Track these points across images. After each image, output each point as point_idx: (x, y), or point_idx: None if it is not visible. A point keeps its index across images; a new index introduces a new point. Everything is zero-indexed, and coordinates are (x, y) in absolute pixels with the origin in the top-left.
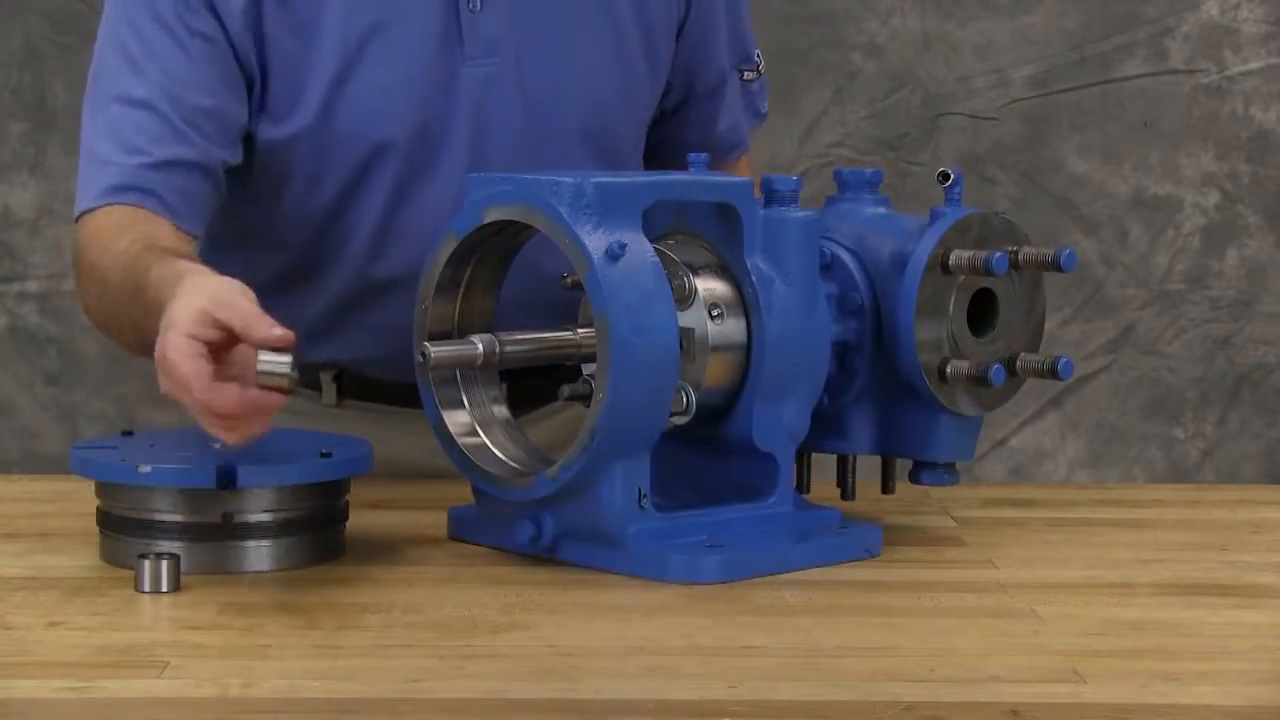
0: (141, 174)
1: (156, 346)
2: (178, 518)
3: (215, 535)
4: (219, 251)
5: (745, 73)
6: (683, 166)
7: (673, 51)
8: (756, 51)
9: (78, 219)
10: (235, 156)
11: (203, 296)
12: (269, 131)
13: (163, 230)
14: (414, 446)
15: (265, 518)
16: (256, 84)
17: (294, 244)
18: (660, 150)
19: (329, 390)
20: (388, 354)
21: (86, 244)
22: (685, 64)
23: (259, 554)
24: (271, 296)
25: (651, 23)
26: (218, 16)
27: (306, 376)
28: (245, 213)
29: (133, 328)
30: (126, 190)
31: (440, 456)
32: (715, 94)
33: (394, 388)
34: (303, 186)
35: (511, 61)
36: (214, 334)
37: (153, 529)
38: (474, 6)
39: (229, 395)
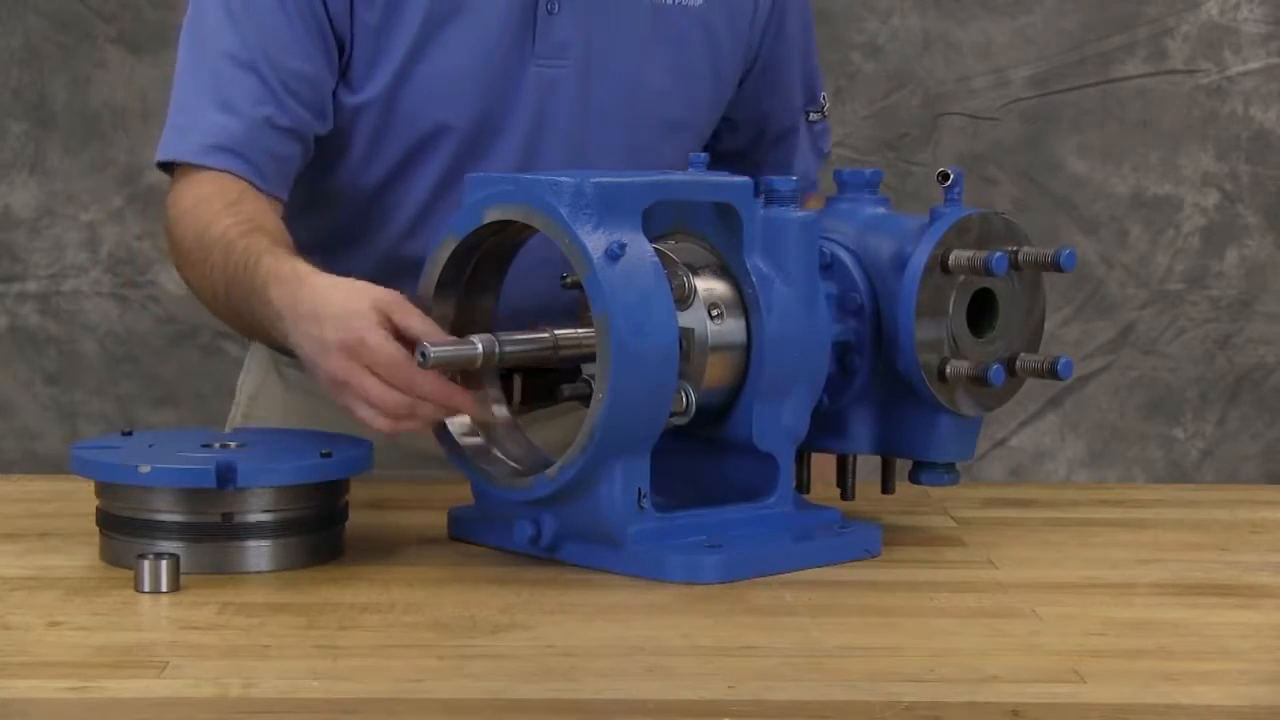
0: (237, 135)
1: (328, 335)
2: (178, 518)
3: (215, 535)
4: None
5: (810, 114)
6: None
7: (735, 85)
8: (823, 94)
9: (167, 166)
10: (326, 124)
11: (370, 299)
12: (341, 98)
13: (260, 208)
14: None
15: (265, 518)
16: (346, 51)
17: (341, 211)
18: None
19: None
20: None
21: (181, 214)
22: (756, 102)
23: (259, 554)
24: (311, 258)
25: (720, 53)
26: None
27: None
28: (307, 180)
29: (231, 310)
30: (221, 151)
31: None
32: (789, 136)
33: None
34: (360, 156)
35: (579, 67)
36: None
37: (153, 529)
38: (552, 8)
39: (431, 379)
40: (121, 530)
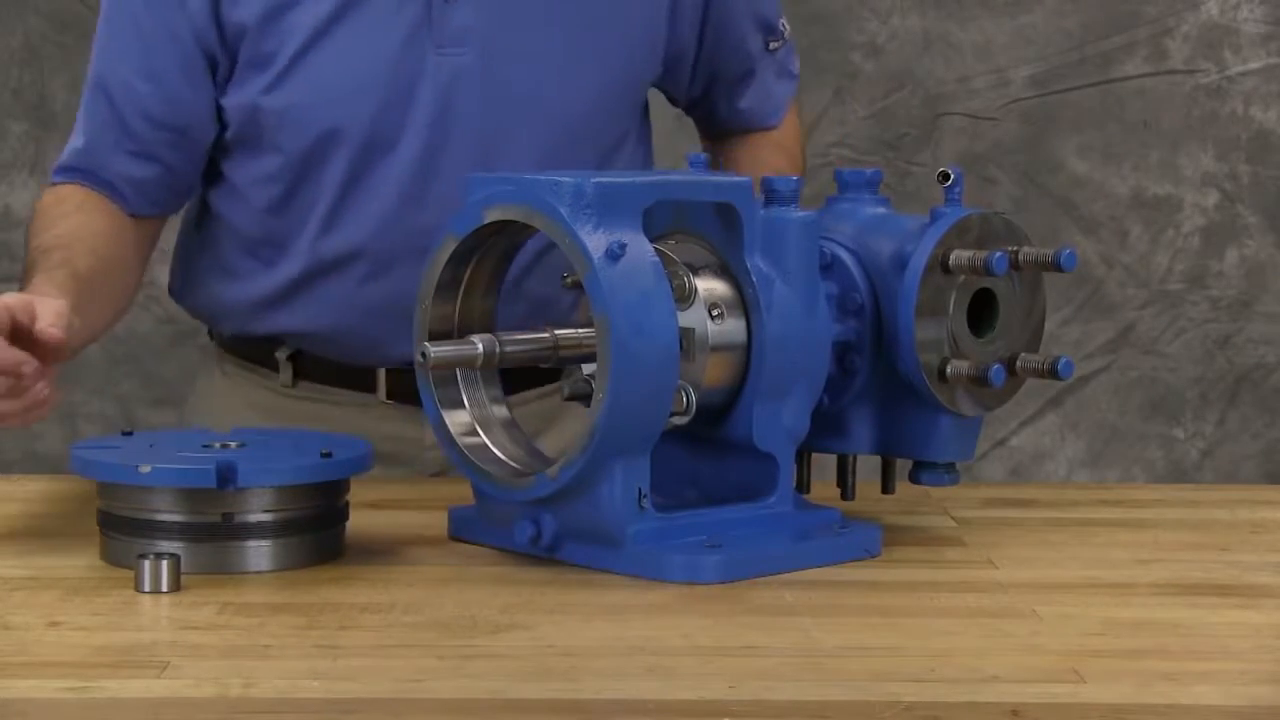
0: (85, 158)
1: None
2: (178, 518)
3: (215, 535)
4: (194, 212)
5: (771, 43)
6: (724, 136)
7: (662, 46)
8: (781, 21)
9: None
10: (200, 136)
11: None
12: (235, 98)
13: (81, 224)
14: (369, 430)
15: (265, 518)
16: (222, 65)
17: (254, 214)
18: (705, 125)
19: (285, 370)
20: (339, 329)
21: (32, 220)
22: (708, 57)
23: (259, 554)
24: (236, 264)
25: (633, 26)
26: (185, 10)
27: (262, 356)
28: (216, 177)
29: None
30: (72, 171)
31: (392, 442)
32: (749, 75)
33: (349, 371)
34: (264, 156)
35: (480, 54)
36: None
37: (153, 529)
38: None
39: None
40: (121, 530)
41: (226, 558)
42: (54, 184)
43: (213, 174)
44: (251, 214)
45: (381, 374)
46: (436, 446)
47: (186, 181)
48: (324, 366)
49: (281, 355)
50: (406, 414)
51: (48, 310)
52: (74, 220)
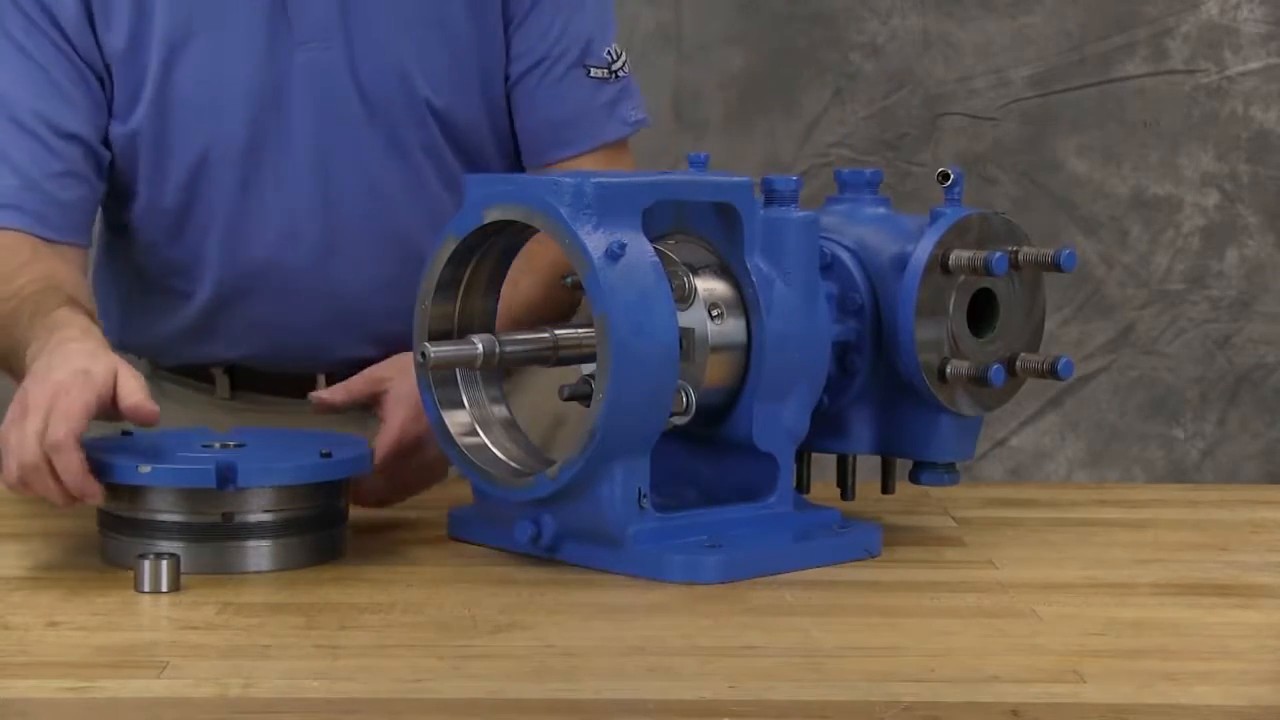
0: (13, 190)
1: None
2: (178, 518)
3: (215, 535)
4: (100, 255)
5: (592, 69)
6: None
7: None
8: (609, 50)
9: None
10: (103, 156)
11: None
12: (116, 129)
13: (53, 268)
14: None
15: (265, 517)
16: (106, 81)
17: (156, 244)
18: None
19: (222, 383)
20: (266, 351)
21: None
22: (512, 45)
23: (259, 554)
24: (149, 300)
25: (486, 12)
26: (59, 27)
27: (197, 373)
28: (112, 213)
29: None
30: (7, 209)
31: None
32: (541, 80)
33: (284, 380)
34: (151, 184)
35: (342, 43)
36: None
37: (153, 529)
38: None
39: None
40: (122, 530)
41: (226, 558)
42: None
43: (107, 214)
44: (150, 247)
45: (321, 380)
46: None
47: (96, 205)
48: (261, 378)
49: (217, 370)
50: (348, 417)
51: (133, 384)
52: (43, 265)
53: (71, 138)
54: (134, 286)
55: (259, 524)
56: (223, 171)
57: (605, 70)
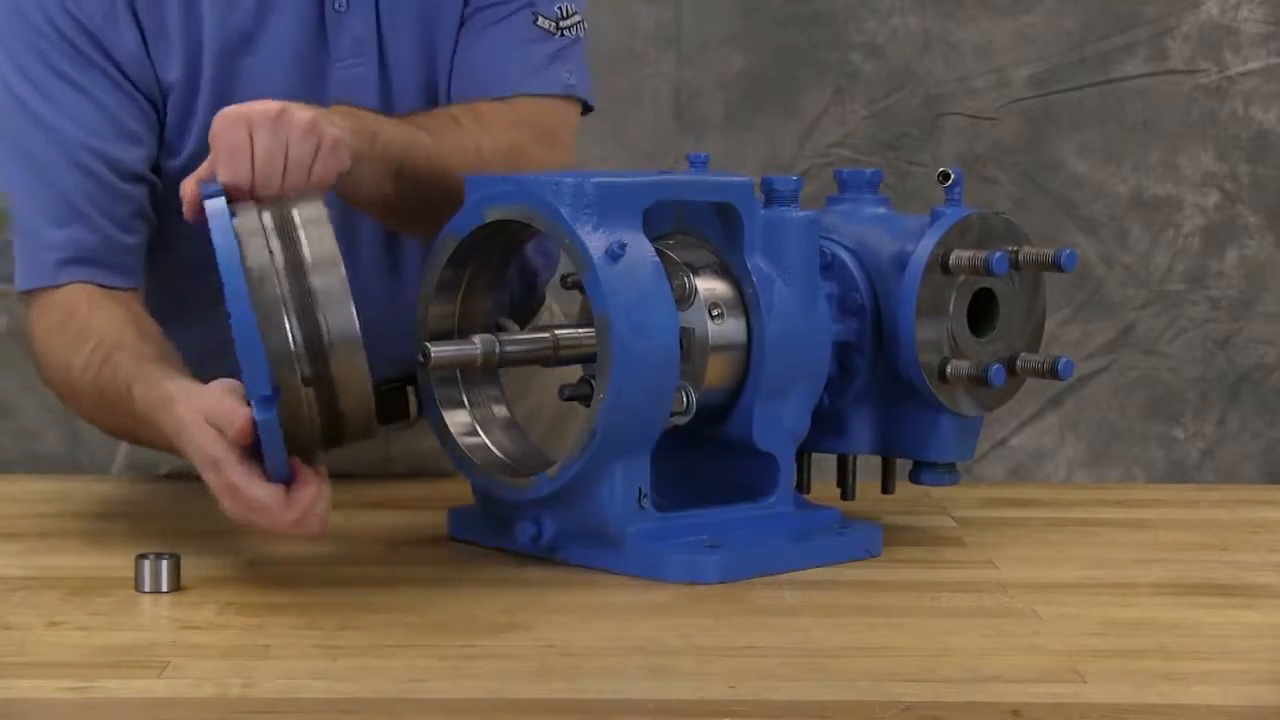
0: (85, 242)
1: (209, 479)
2: None
3: None
4: None
5: (540, 17)
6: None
7: None
8: (561, 5)
9: (24, 292)
10: (157, 189)
11: (204, 432)
12: (166, 163)
13: (109, 324)
14: (334, 453)
15: None
16: (159, 116)
17: (185, 264)
18: None
19: None
20: None
21: (43, 341)
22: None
23: None
24: (173, 319)
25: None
26: (114, 61)
27: None
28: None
29: (121, 430)
30: (71, 264)
31: (353, 462)
32: (488, 16)
33: None
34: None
35: (375, 60)
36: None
37: None
38: (340, 6)
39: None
40: None
41: None
42: (54, 286)
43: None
44: (178, 267)
45: None
46: (399, 460)
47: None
48: None
49: None
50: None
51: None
52: (101, 324)
53: (136, 179)
54: (158, 306)
55: None
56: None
57: (553, 24)
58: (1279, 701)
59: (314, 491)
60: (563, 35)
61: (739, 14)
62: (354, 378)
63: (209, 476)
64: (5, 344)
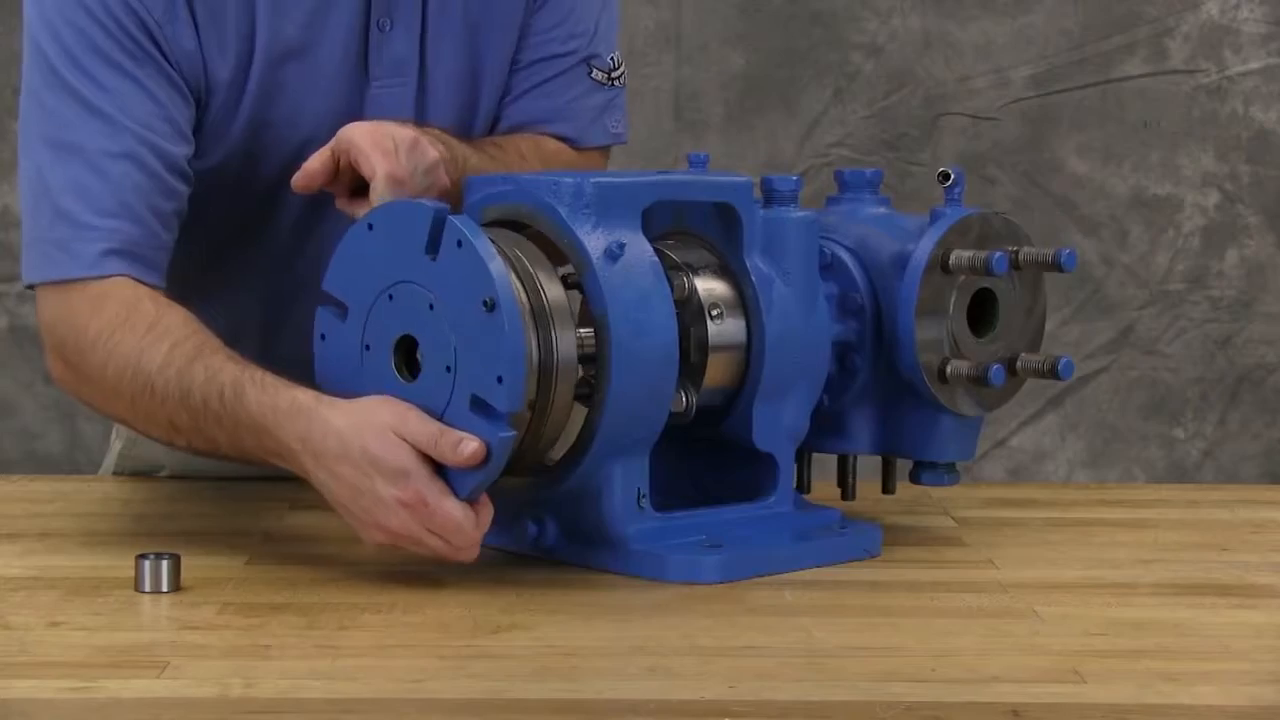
0: (131, 235)
1: (382, 490)
2: None
3: None
4: None
5: (595, 70)
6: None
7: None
8: (613, 55)
9: (53, 283)
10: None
11: (393, 437)
12: (196, 164)
13: (176, 318)
14: None
15: None
16: (203, 107)
17: (210, 258)
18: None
19: None
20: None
21: (90, 343)
22: (529, 28)
23: None
24: (207, 298)
25: (510, 26)
26: (167, 56)
27: None
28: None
29: (191, 432)
30: (116, 256)
31: None
32: (546, 69)
33: None
34: (218, 208)
35: (414, 82)
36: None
37: None
38: (384, 25)
39: (484, 522)
40: None
41: None
42: (96, 278)
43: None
44: (204, 261)
45: None
46: None
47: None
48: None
49: None
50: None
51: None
52: (170, 319)
53: (182, 175)
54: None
55: None
56: (284, 213)
57: (605, 75)
58: (1279, 701)
59: (490, 513)
60: (612, 85)
61: (739, 14)
62: (562, 404)
63: (387, 490)
64: (5, 344)
